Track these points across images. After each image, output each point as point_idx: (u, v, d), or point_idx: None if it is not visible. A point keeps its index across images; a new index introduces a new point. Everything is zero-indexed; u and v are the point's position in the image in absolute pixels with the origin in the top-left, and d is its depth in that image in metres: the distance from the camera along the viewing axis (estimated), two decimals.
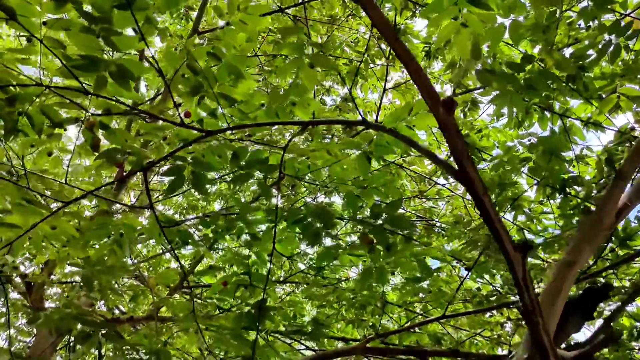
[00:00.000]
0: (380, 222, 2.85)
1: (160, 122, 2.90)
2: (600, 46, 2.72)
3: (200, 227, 3.15)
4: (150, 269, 6.22)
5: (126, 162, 2.54)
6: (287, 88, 2.50)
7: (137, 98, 5.21)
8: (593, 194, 3.41)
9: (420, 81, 1.81)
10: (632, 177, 3.08)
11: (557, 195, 3.56)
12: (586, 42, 2.73)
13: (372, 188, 2.85)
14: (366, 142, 2.66)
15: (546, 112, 4.06)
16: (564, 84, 3.56)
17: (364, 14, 5.06)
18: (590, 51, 2.99)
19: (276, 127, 3.61)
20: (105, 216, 3.65)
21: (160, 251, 6.33)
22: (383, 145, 2.75)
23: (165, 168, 2.94)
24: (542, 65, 2.55)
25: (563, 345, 3.17)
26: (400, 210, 3.13)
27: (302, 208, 2.94)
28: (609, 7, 2.61)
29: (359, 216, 2.99)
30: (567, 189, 3.43)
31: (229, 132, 2.75)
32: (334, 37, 5.05)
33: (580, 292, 3.29)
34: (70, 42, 2.23)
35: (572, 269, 2.65)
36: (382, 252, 2.97)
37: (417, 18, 4.31)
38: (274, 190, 3.18)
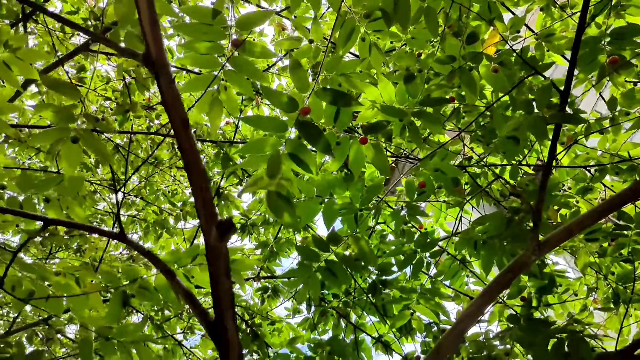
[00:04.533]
0: None
1: None
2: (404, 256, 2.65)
3: None
4: None
5: None
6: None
7: None
8: None
9: (200, 193, 1.38)
10: None
11: None
12: (392, 247, 2.66)
13: None
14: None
15: (342, 321, 3.88)
16: (364, 295, 3.45)
17: None
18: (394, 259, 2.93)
19: None
20: None
21: None
22: None
23: None
24: (352, 251, 2.37)
25: None
26: None
27: None
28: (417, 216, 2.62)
29: None
30: None
31: None
32: (152, 181, 4.61)
33: None
34: None
35: None
36: None
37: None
38: None
